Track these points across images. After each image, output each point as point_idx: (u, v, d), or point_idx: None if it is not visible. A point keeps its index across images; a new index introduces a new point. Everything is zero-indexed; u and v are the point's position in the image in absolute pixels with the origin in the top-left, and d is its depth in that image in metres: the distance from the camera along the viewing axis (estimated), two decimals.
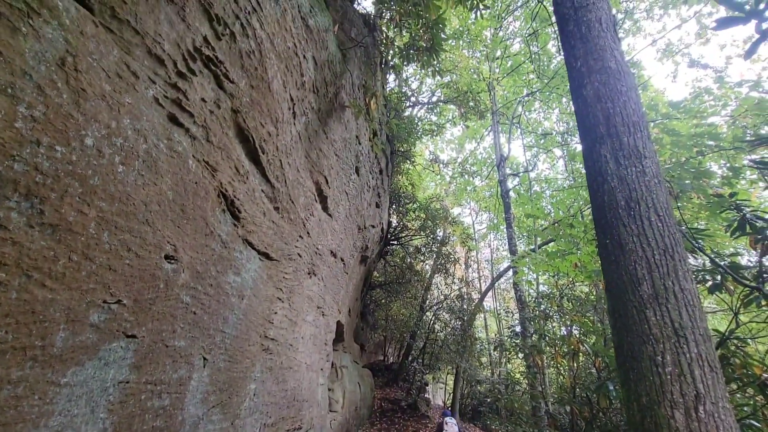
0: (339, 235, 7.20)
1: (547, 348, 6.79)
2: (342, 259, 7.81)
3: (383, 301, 19.92)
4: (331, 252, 6.80)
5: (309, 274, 5.63)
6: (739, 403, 3.78)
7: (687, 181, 3.52)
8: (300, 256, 5.00)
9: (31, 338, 1.47)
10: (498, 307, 20.35)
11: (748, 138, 4.51)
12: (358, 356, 13.54)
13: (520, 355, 9.01)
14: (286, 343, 4.80)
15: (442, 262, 14.95)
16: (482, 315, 18.04)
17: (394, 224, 15.06)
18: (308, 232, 5.27)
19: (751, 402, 3.75)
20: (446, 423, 8.45)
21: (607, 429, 5.23)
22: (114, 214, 1.84)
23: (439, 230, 15.03)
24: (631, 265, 1.70)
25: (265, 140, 3.57)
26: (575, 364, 5.75)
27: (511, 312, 11.03)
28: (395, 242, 14.99)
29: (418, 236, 15.06)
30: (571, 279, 9.16)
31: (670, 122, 5.43)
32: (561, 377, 10.42)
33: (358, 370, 12.66)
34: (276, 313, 4.37)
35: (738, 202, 3.94)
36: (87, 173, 1.66)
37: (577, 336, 5.78)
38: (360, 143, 7.76)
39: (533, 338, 6.41)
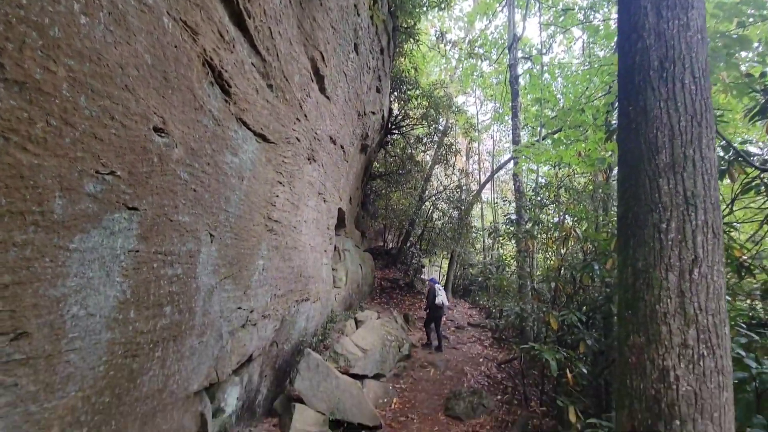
0: (338, 120, 6.90)
1: (540, 234, 7.08)
2: (342, 147, 7.64)
3: (383, 191, 20.28)
4: (331, 138, 6.60)
5: (309, 159, 5.55)
6: None
7: (720, 54, 3.17)
8: (298, 141, 4.84)
9: (26, 203, 1.44)
10: (496, 198, 20.86)
11: None
12: (360, 242, 14.33)
13: (513, 241, 9.47)
14: (289, 225, 4.97)
15: (443, 152, 14.76)
16: (480, 205, 18.57)
17: (395, 112, 14.44)
18: (305, 115, 5.02)
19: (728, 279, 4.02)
20: (436, 288, 9.41)
21: (585, 302, 5.76)
22: (87, 75, 1.65)
23: (441, 119, 14.47)
24: (652, 132, 1.59)
25: (249, 0, 3.11)
26: (564, 249, 6.05)
27: (509, 201, 11.31)
28: (396, 131, 14.58)
29: (419, 125, 14.58)
30: (572, 170, 9.10)
31: None
32: (548, 261, 11.23)
33: (360, 253, 13.54)
34: (278, 196, 4.41)
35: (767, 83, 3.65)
36: (43, 21, 1.43)
37: (570, 223, 5.95)
38: (359, 14, 6.91)
39: (528, 225, 6.65)
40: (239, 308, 3.61)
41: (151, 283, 2.15)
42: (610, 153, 4.93)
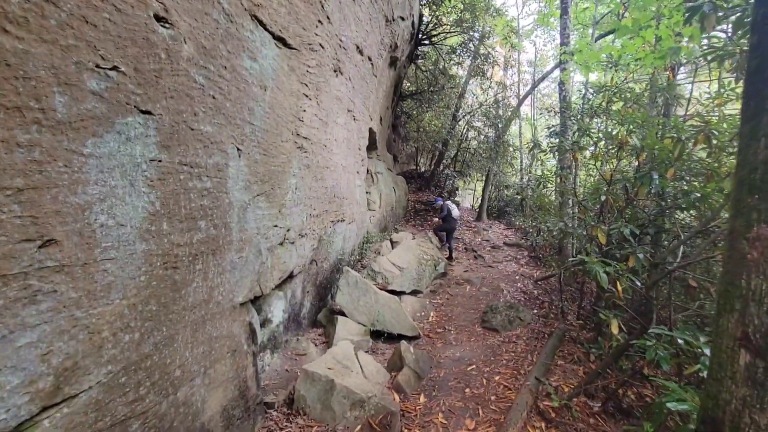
0: (364, 26, 6.22)
1: (588, 145, 6.47)
2: (369, 59, 7.02)
3: (414, 112, 19.34)
4: (357, 48, 6.01)
5: (335, 71, 5.10)
6: None
7: None
8: (322, 48, 4.39)
9: (21, 97, 1.29)
10: (536, 114, 19.40)
11: None
12: (392, 165, 14.04)
13: (556, 156, 8.84)
14: (319, 143, 4.75)
15: (479, 63, 13.46)
16: (517, 122, 17.37)
17: (425, 19, 13.03)
18: (328, 17, 4.48)
19: None
20: (449, 204, 9.45)
21: (636, 217, 5.37)
22: None
23: (477, 25, 12.94)
24: None
25: None
26: (617, 159, 5.52)
27: (553, 110, 10.35)
28: (427, 42, 13.30)
29: (453, 33, 13.17)
30: (629, 73, 8.03)
31: None
32: (593, 176, 10.53)
33: (392, 176, 13.34)
34: (305, 111, 4.13)
35: None
36: None
37: (626, 131, 5.32)
38: None
39: (575, 136, 6.05)
40: (275, 226, 3.58)
41: (180, 196, 2.06)
42: (686, 40, 4.14)
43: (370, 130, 8.69)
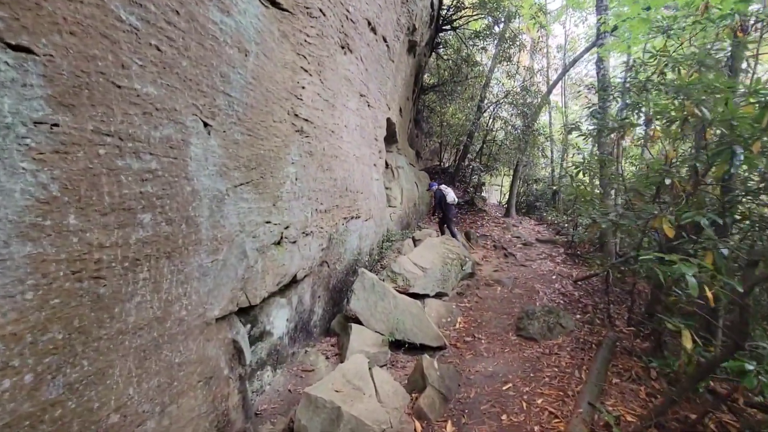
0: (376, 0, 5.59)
1: (637, 124, 5.57)
2: (384, 39, 6.38)
3: (437, 107, 18.56)
4: (369, 23, 5.38)
5: (342, 48, 4.50)
6: None
7: None
8: (323, 15, 3.79)
9: None
10: (567, 102, 18.18)
11: None
12: (414, 161, 13.33)
13: (595, 140, 7.92)
14: (325, 128, 4.16)
15: (505, 48, 12.53)
16: (547, 111, 16.24)
17: (446, 1, 12.24)
18: None
19: None
20: (443, 189, 8.66)
21: (702, 203, 4.47)
22: None
23: (502, 6, 12.03)
24: None
25: None
26: (681, 135, 4.65)
27: (592, 87, 9.37)
28: (448, 27, 12.51)
29: (476, 17, 12.32)
30: (684, 39, 7.00)
31: None
32: (633, 167, 9.43)
33: (414, 172, 12.64)
34: (304, 88, 3.54)
35: None
36: None
37: (693, 100, 4.43)
38: None
39: (622, 113, 5.20)
40: (268, 222, 3.00)
41: (102, 178, 1.50)
42: None
43: (388, 121, 8.06)
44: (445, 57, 14.38)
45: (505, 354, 4.79)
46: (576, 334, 5.28)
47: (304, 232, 3.77)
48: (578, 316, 5.92)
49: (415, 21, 8.31)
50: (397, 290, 5.77)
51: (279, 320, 3.67)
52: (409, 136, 14.70)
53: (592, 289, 7.32)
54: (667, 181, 3.87)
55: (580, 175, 6.51)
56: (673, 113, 4.25)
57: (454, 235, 8.90)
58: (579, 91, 12.12)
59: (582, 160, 7.27)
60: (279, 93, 3.08)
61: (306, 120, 3.65)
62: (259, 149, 2.81)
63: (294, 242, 3.57)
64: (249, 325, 3.03)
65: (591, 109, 6.85)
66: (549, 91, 12.86)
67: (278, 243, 3.27)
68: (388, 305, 4.97)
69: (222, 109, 2.31)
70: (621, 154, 6.86)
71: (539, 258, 9.14)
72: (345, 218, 5.12)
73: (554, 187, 17.06)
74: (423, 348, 4.76)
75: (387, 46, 6.71)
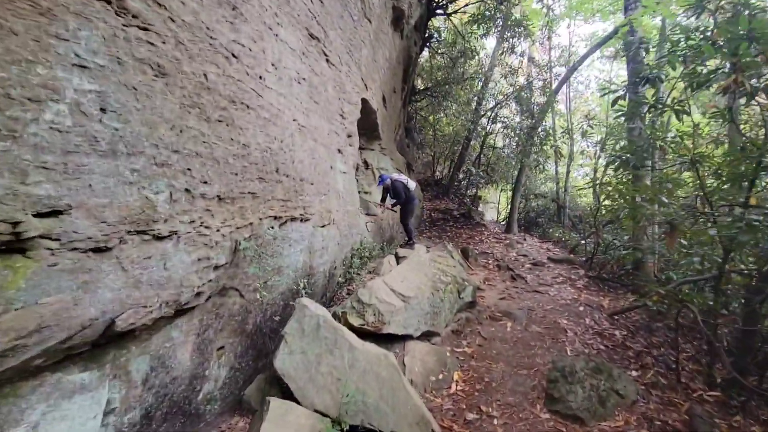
0: None
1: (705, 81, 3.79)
2: None
3: (431, 117, 17.00)
4: None
5: None
6: None
7: None
8: None
9: None
10: (571, 107, 16.64)
11: None
12: (404, 169, 11.51)
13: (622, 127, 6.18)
14: (210, 38, 2.28)
15: (508, 37, 10.94)
16: (551, 115, 14.58)
17: None
18: None
19: None
20: (395, 176, 6.60)
21: None
22: None
23: None
24: None
25: None
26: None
27: (618, 54, 7.72)
28: (441, 12, 10.92)
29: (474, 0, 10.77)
30: None
31: None
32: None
33: None
34: None
35: None
36: None
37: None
38: None
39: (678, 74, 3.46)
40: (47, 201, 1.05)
41: None
42: None
43: (365, 103, 6.25)
44: (439, 51, 12.78)
45: None
46: (642, 409, 3.33)
47: (142, 231, 1.82)
48: (633, 373, 3.97)
49: None
50: (365, 329, 3.83)
51: (75, 411, 1.69)
52: (399, 144, 12.90)
53: (634, 325, 5.40)
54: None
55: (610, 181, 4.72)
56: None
57: (410, 238, 6.99)
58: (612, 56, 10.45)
59: (618, 152, 5.46)
60: None
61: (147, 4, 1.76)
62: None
63: (102, 250, 1.62)
64: None
65: (621, 83, 5.10)
66: (557, 90, 11.22)
67: (23, 250, 1.33)
68: (341, 362, 3.00)
69: None
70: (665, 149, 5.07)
71: (556, 282, 7.22)
72: (276, 218, 3.20)
73: (559, 202, 15.35)
74: None
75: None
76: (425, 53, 14.99)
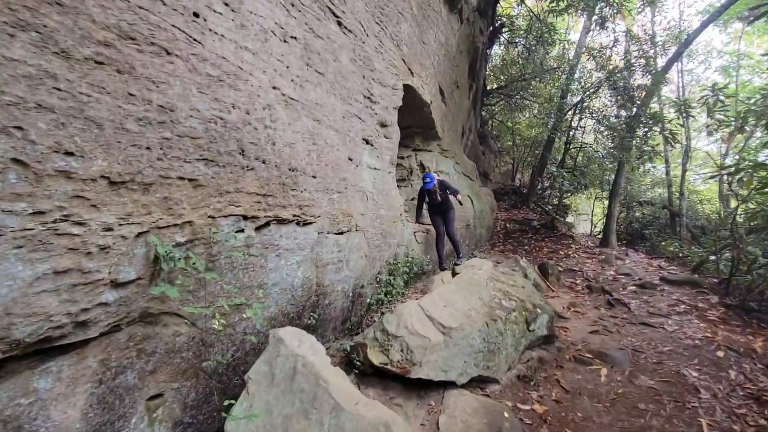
0: None
1: None
2: None
3: (508, 121, 15.51)
4: None
5: None
6: None
7: None
8: None
9: None
10: (682, 95, 13.61)
11: None
12: (473, 174, 10.22)
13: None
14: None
15: (600, 10, 9.13)
16: (657, 99, 11.91)
17: None
18: None
19: None
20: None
21: None
22: None
23: None
24: None
25: None
26: None
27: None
28: None
29: None
30: None
31: None
32: None
33: (470, 185, 9.54)
34: None
35: None
36: None
37: None
38: None
39: None
40: None
41: None
42: None
43: (411, 91, 5.30)
44: (512, 41, 11.34)
45: None
46: None
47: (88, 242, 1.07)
48: None
49: None
50: (388, 370, 2.80)
51: None
52: (472, 151, 11.61)
53: None
54: None
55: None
56: None
57: (459, 253, 5.96)
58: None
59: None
60: None
61: None
62: None
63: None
64: None
65: None
66: (666, 68, 8.97)
67: None
68: (317, 428, 1.99)
69: None
70: None
71: (675, 311, 5.31)
72: (247, 218, 2.37)
73: (673, 209, 12.44)
74: None
75: None
76: (496, 48, 13.62)
